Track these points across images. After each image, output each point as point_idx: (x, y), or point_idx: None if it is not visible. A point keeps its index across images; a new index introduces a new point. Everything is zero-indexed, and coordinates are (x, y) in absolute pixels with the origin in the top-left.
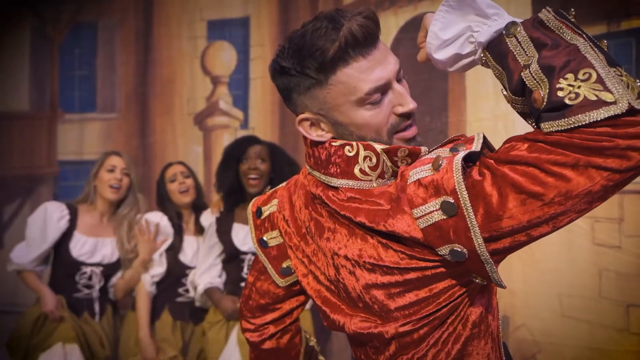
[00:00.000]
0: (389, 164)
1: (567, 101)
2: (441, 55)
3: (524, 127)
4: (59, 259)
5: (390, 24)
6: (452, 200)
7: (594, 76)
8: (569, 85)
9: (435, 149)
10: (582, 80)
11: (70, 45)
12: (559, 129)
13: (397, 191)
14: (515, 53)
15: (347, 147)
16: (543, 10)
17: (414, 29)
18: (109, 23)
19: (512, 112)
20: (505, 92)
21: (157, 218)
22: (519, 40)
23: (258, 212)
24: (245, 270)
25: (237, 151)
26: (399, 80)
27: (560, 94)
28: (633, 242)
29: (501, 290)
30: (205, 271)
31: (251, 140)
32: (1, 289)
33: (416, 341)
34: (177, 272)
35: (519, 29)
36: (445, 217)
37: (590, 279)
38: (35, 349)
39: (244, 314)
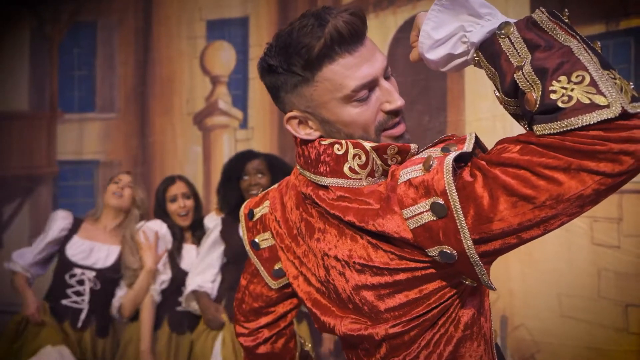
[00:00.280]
0: (378, 162)
1: (559, 104)
2: (433, 55)
3: (522, 126)
4: (57, 263)
5: (389, 24)
6: (442, 202)
7: (587, 79)
8: (562, 87)
9: (427, 148)
10: (575, 83)
11: (69, 45)
12: (552, 132)
13: (387, 191)
14: (508, 54)
15: (336, 146)
16: (537, 10)
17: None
18: (108, 23)
19: None
20: (497, 94)
21: (157, 226)
22: (512, 41)
23: (250, 214)
24: None
25: (235, 169)
26: (386, 78)
27: (553, 96)
28: (632, 242)
29: (500, 290)
30: (199, 273)
31: (248, 156)
32: (1, 289)
33: (407, 343)
34: (178, 279)
35: (512, 29)
36: (435, 219)
37: (589, 278)
38: (18, 352)
39: (237, 318)
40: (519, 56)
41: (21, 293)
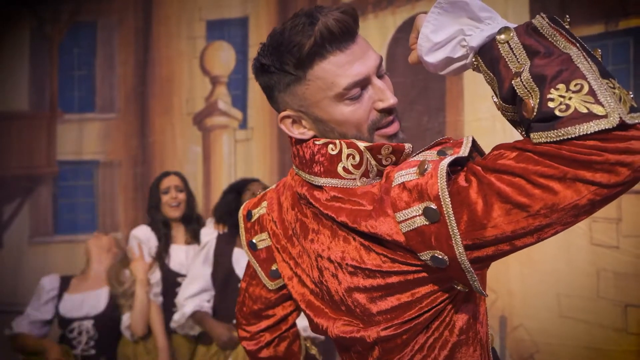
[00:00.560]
0: (373, 162)
1: (557, 112)
2: (432, 58)
3: (519, 133)
4: (57, 324)
5: (388, 24)
6: (435, 207)
7: (586, 88)
8: (560, 96)
9: (423, 151)
10: (573, 92)
11: (69, 45)
12: (548, 140)
13: (380, 192)
14: (507, 60)
15: (330, 146)
16: (537, 16)
17: (411, 29)
18: (108, 23)
19: None
20: (495, 99)
21: (142, 232)
22: (512, 46)
23: (248, 215)
24: None
25: (240, 185)
26: (380, 76)
27: (550, 104)
28: (631, 242)
29: (499, 290)
30: (195, 294)
31: (254, 180)
32: (1, 289)
33: (400, 346)
34: (169, 280)
35: (511, 34)
36: (427, 223)
37: (588, 279)
38: None
39: (239, 321)
40: (518, 62)
41: (38, 345)
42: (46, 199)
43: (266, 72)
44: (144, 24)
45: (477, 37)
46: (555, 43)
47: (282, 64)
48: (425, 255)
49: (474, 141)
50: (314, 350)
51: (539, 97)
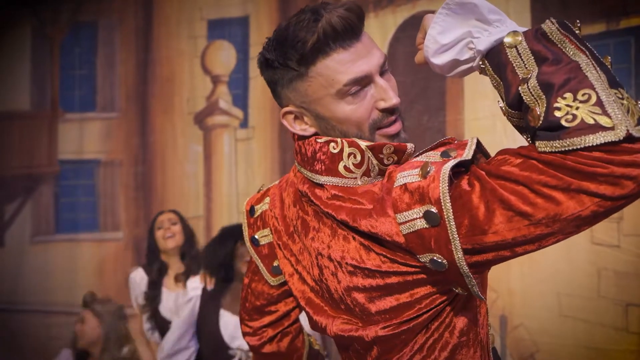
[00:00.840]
0: (374, 161)
1: (563, 122)
2: (439, 60)
3: (524, 139)
4: None
5: (389, 23)
6: (436, 211)
7: (594, 98)
8: (567, 105)
9: (426, 151)
10: (580, 101)
11: (70, 45)
12: (553, 150)
13: (381, 192)
14: (514, 65)
15: (332, 144)
16: (547, 21)
17: (412, 28)
18: (109, 22)
19: None
20: (501, 104)
21: (137, 276)
22: (520, 51)
23: (251, 211)
24: None
25: (237, 233)
26: (383, 74)
27: (557, 114)
28: (632, 241)
29: (500, 290)
30: (172, 354)
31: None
32: (1, 288)
33: (398, 346)
34: (159, 324)
35: (520, 39)
36: (427, 226)
37: (589, 278)
38: None
39: (242, 317)
40: (526, 68)
41: None
42: (47, 198)
43: (270, 67)
44: (145, 23)
45: (484, 40)
46: (564, 50)
47: (286, 59)
48: (425, 258)
49: (478, 143)
50: (317, 346)
51: (545, 105)
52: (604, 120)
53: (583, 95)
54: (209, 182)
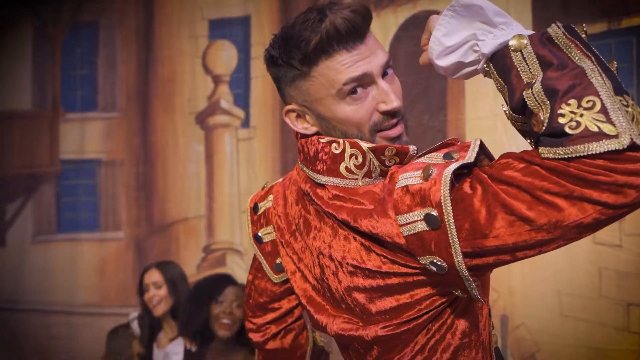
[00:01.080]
0: (376, 163)
1: (567, 129)
2: (443, 62)
3: (528, 143)
4: None
5: (390, 22)
6: (436, 214)
7: (598, 105)
8: (571, 112)
9: (429, 152)
10: (585, 108)
11: (71, 45)
12: (557, 156)
13: (382, 192)
14: (519, 69)
15: (334, 145)
16: (553, 25)
17: (413, 27)
18: (110, 22)
19: None
20: (505, 108)
21: (134, 325)
22: (524, 55)
23: (255, 208)
24: None
25: (211, 290)
26: (385, 75)
27: (561, 120)
28: (633, 241)
29: (500, 289)
30: None
31: (227, 281)
32: (1, 288)
33: (399, 346)
34: None
35: (525, 43)
36: (428, 229)
37: (590, 277)
38: None
39: (246, 313)
40: (530, 73)
41: None
42: (49, 197)
43: (275, 64)
44: (146, 23)
45: (489, 43)
46: (569, 55)
47: (289, 57)
48: (425, 260)
49: (481, 144)
50: (322, 342)
51: (549, 111)
52: (607, 128)
53: (587, 102)
54: (211, 182)
